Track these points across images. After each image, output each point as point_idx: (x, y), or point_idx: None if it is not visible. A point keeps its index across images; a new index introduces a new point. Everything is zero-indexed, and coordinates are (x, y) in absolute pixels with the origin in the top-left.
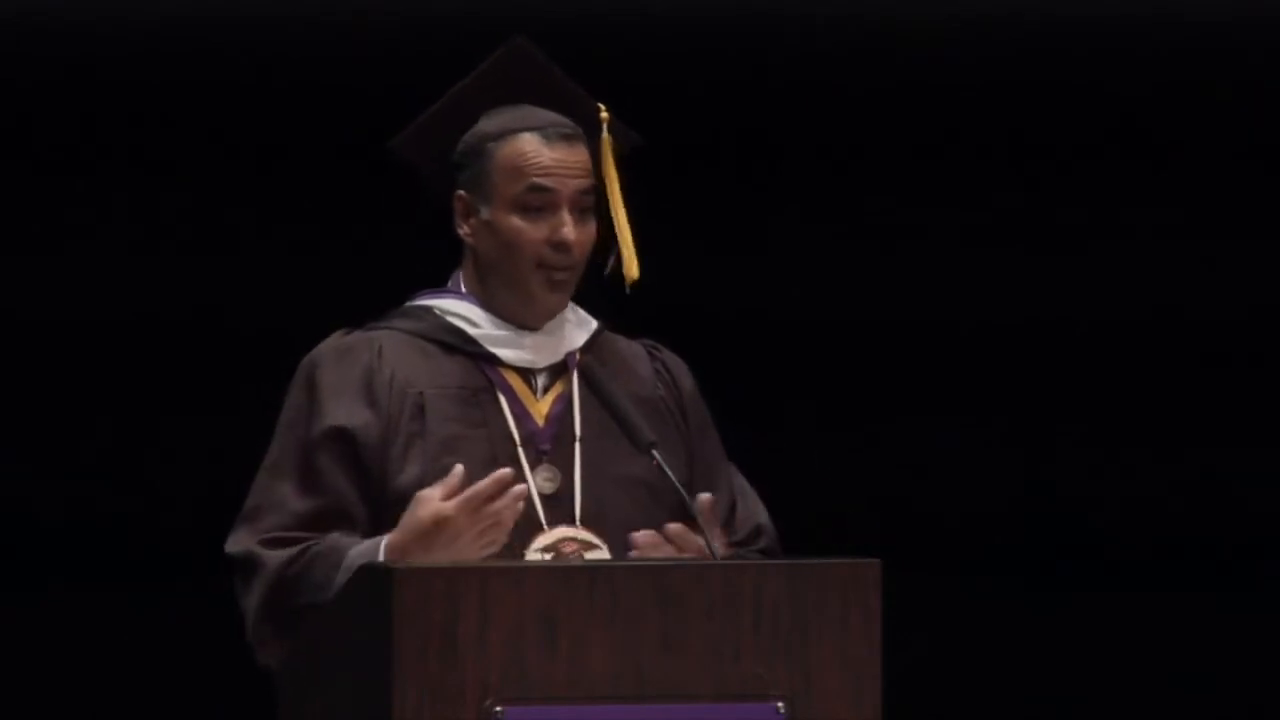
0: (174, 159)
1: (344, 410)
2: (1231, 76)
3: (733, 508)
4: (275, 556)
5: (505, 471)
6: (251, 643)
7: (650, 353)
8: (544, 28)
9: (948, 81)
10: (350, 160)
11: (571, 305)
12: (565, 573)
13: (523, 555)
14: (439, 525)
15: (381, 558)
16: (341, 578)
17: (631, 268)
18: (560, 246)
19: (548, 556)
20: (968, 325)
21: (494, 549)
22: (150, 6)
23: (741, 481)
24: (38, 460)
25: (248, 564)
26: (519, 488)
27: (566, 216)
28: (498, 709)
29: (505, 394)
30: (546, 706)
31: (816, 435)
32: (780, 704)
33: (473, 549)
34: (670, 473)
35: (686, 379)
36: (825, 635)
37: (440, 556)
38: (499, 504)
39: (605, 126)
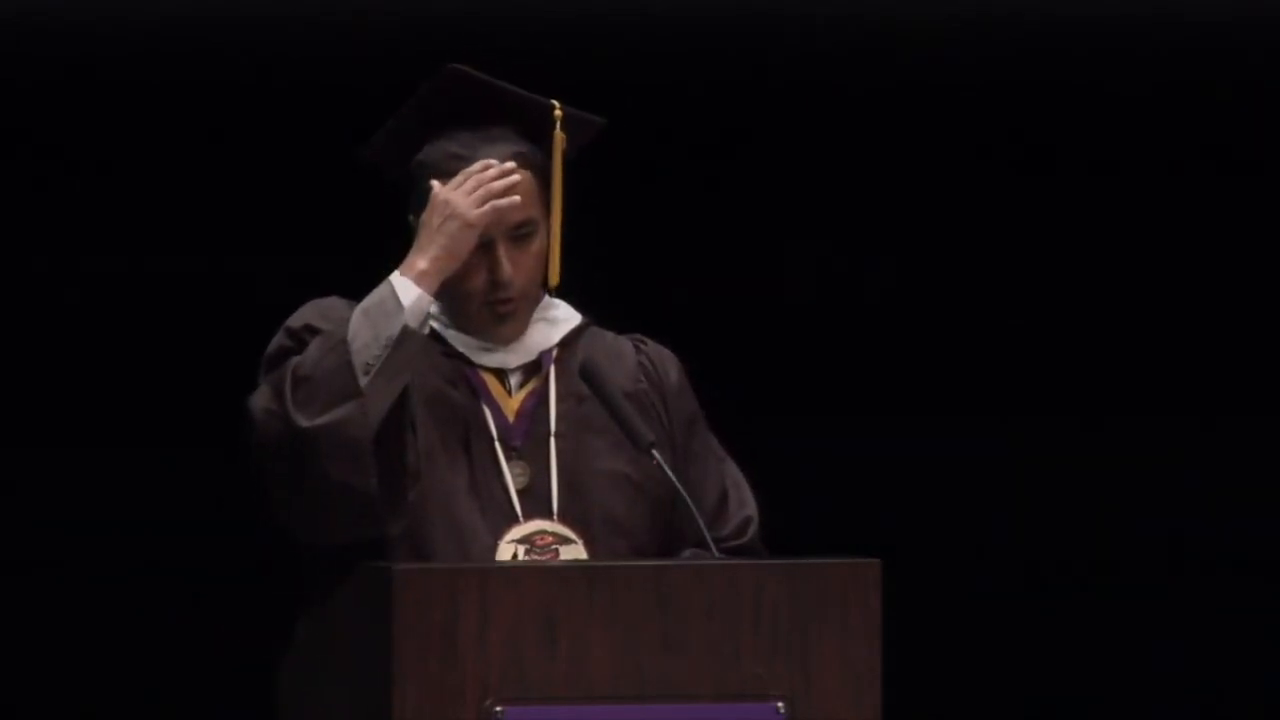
0: (174, 159)
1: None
2: (1231, 76)
3: (724, 499)
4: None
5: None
6: (291, 411)
7: (636, 347)
8: (544, 28)
9: (948, 81)
10: (349, 160)
11: (552, 302)
12: (565, 573)
13: (496, 546)
14: (437, 207)
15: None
16: (357, 314)
17: (553, 273)
18: (498, 285)
19: (521, 549)
20: (969, 324)
21: (485, 209)
22: (150, 6)
23: (735, 474)
24: (35, 450)
25: (270, 367)
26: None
27: (501, 255)
28: (498, 709)
29: (479, 390)
30: (546, 706)
31: (817, 435)
32: (780, 704)
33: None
34: (670, 472)
35: (672, 373)
36: (825, 635)
37: (443, 234)
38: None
39: (558, 124)
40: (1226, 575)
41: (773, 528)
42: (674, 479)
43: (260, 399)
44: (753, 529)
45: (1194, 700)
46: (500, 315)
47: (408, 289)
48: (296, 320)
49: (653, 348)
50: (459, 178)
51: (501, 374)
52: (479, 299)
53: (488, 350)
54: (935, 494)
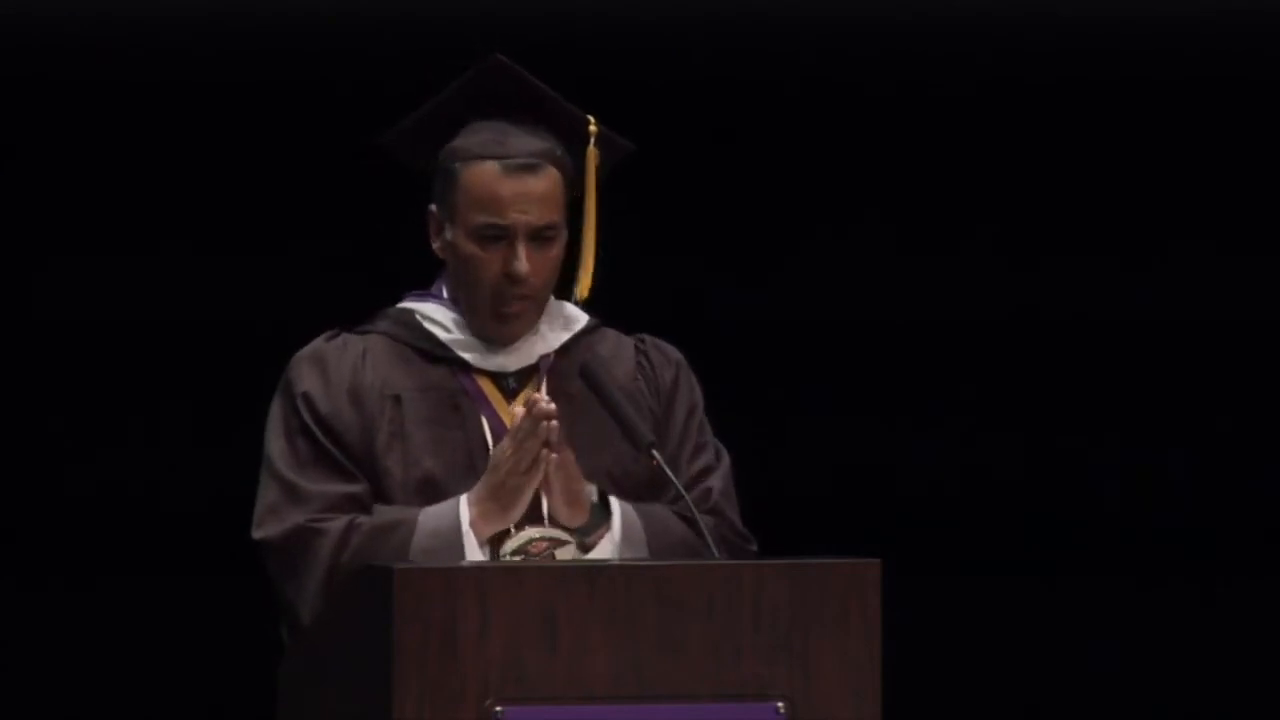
0: (174, 159)
1: (333, 410)
2: (1232, 76)
3: (690, 485)
4: (335, 525)
5: (532, 398)
6: (305, 620)
7: (636, 346)
8: (543, 30)
9: (948, 82)
10: (347, 159)
11: (557, 304)
12: (565, 573)
13: (496, 559)
14: (495, 469)
15: (463, 513)
16: (420, 542)
17: (583, 287)
18: (513, 279)
19: (518, 559)
20: (970, 324)
21: (540, 470)
22: (150, 6)
23: (725, 482)
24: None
25: (298, 536)
26: (537, 403)
27: (520, 249)
28: (498, 709)
29: (478, 399)
30: (546, 706)
31: (817, 435)
32: (780, 704)
33: (526, 484)
34: (670, 472)
35: (668, 370)
36: (825, 635)
37: (510, 506)
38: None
39: (592, 140)
40: (1231, 577)
41: (773, 528)
42: (673, 478)
43: (268, 508)
44: (714, 498)
45: (1195, 700)
46: (503, 315)
47: (473, 545)
48: (297, 381)
49: (651, 347)
50: (506, 440)
51: (499, 378)
52: (489, 289)
53: (489, 354)
54: (935, 494)
